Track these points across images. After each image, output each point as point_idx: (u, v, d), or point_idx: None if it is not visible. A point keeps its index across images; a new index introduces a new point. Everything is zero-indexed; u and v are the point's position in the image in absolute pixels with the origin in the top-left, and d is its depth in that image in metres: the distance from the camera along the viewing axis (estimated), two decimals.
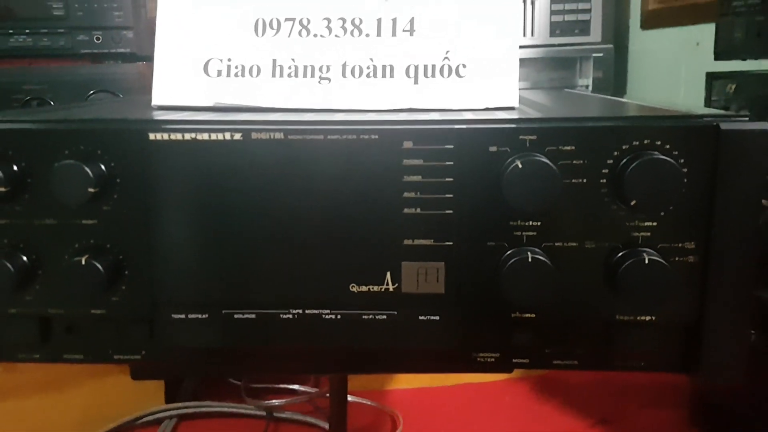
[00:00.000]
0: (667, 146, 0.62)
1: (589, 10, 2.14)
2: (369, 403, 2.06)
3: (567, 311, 0.67)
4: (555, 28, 2.13)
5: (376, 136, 0.65)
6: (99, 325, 0.71)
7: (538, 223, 0.65)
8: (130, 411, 1.89)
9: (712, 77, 1.77)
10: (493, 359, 0.70)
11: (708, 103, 1.74)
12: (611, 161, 0.63)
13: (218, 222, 0.68)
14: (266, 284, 0.69)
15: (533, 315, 0.68)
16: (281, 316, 0.70)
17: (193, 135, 0.66)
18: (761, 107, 1.57)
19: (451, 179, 0.66)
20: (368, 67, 0.81)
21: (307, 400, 2.04)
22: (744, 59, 1.68)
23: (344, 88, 0.81)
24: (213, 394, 2.00)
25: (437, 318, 0.69)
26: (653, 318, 0.67)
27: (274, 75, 0.81)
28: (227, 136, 0.66)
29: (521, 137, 0.64)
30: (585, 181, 0.64)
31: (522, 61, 2.05)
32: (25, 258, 0.68)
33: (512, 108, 0.79)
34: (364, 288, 0.69)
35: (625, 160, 0.63)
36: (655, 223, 0.64)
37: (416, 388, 2.16)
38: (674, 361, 0.69)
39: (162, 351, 0.72)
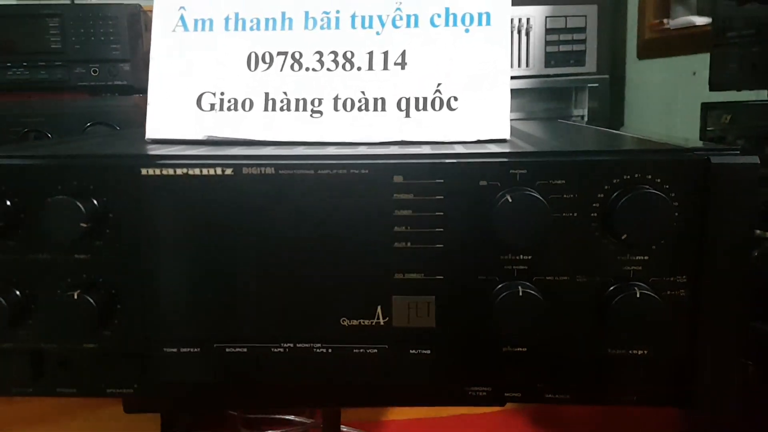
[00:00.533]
0: (658, 180, 0.62)
1: (583, 41, 2.16)
2: None
3: (559, 345, 0.67)
4: (550, 59, 2.14)
5: (367, 171, 0.65)
6: (92, 359, 0.71)
7: (529, 257, 0.65)
8: None
9: (707, 108, 1.77)
10: (484, 393, 0.69)
11: (703, 133, 1.75)
12: (602, 195, 0.63)
13: (210, 256, 0.68)
14: (257, 318, 0.69)
15: (525, 349, 0.68)
16: (272, 350, 0.70)
17: (184, 170, 0.66)
18: (757, 138, 1.58)
19: (442, 213, 0.65)
20: (360, 101, 0.81)
21: (303, 431, 2.03)
22: (739, 90, 1.68)
23: (336, 122, 0.81)
24: (209, 425, 1.99)
25: (428, 352, 0.68)
26: (646, 352, 0.66)
27: (266, 109, 0.81)
28: (218, 171, 0.66)
29: (511, 171, 0.64)
30: (576, 215, 0.64)
31: (517, 91, 2.10)
32: (18, 293, 0.68)
33: (504, 140, 0.79)
34: (354, 322, 0.68)
35: (615, 194, 0.63)
36: (646, 257, 0.64)
37: (410, 419, 2.13)
38: (668, 395, 0.68)
39: (154, 385, 0.72)
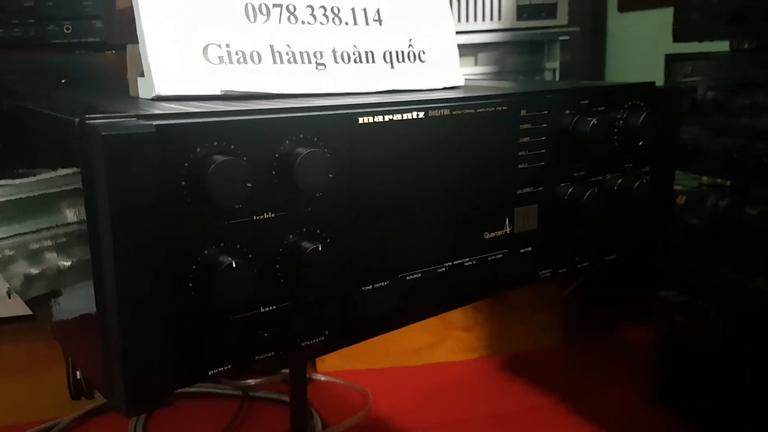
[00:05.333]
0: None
1: None
2: (339, 381, 2.29)
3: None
4: (522, 12, 2.32)
5: (505, 107, 0.88)
6: (291, 314, 0.76)
7: (585, 164, 0.98)
8: None
9: (671, 59, 2.00)
10: (548, 274, 1.00)
11: (667, 84, 1.95)
12: (620, 114, 0.98)
13: (399, 195, 0.82)
14: (428, 245, 0.86)
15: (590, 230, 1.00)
16: (437, 270, 0.87)
17: (391, 116, 0.79)
18: (726, 90, 1.80)
19: (545, 138, 0.93)
20: (354, 54, 0.95)
21: (282, 380, 2.25)
22: (701, 41, 1.89)
23: (338, 74, 0.93)
24: None
25: (530, 249, 0.96)
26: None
27: (275, 61, 0.88)
28: (414, 115, 0.80)
29: (581, 102, 0.96)
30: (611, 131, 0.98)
31: (490, 45, 2.33)
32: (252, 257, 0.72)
33: (461, 87, 1.03)
34: (493, 234, 0.90)
35: (626, 114, 0.98)
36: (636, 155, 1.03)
37: (387, 367, 2.39)
38: None
39: (350, 327, 0.81)
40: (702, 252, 1.92)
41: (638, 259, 1.06)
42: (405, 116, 0.80)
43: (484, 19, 2.32)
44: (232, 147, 0.68)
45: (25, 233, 0.93)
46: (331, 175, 0.73)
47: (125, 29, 0.85)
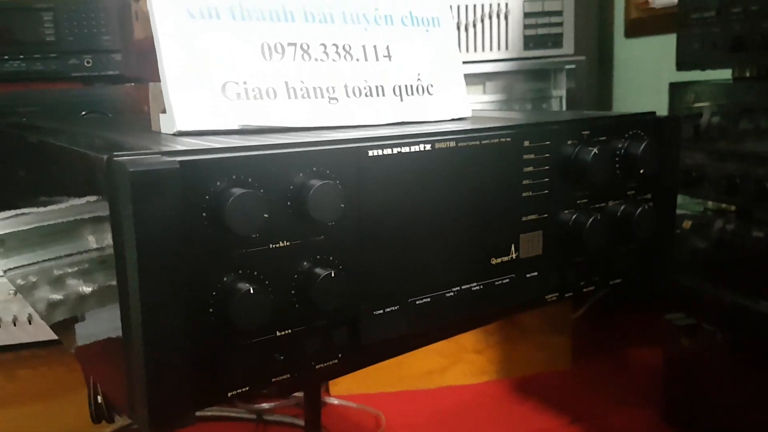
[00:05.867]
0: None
1: (561, 24, 2.38)
2: (352, 404, 2.31)
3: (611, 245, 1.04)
4: (528, 42, 2.37)
5: (509, 139, 0.91)
6: (305, 338, 0.78)
7: (587, 192, 1.01)
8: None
9: (675, 87, 2.02)
10: (554, 298, 1.02)
11: (671, 111, 2.00)
12: (621, 144, 1.02)
13: (409, 223, 0.84)
14: (437, 271, 0.88)
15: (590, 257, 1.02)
16: (446, 295, 0.89)
17: (399, 149, 0.81)
18: (731, 115, 1.83)
19: (548, 167, 0.96)
20: (365, 88, 0.98)
21: (295, 403, 2.27)
22: (703, 69, 1.94)
23: (349, 107, 0.96)
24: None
25: (536, 273, 0.98)
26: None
27: (289, 97, 0.91)
28: (421, 147, 0.83)
29: (582, 132, 0.98)
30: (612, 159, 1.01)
31: (497, 74, 2.38)
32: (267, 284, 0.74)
33: (467, 118, 1.06)
34: (499, 260, 0.92)
35: (627, 143, 1.01)
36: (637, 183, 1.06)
37: (400, 391, 2.41)
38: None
39: (362, 350, 0.83)
40: (708, 276, 1.94)
41: (642, 283, 1.07)
42: (413, 149, 0.83)
43: (492, 49, 2.38)
44: (250, 180, 0.71)
45: (47, 260, 0.95)
46: (342, 206, 0.75)
47: (142, 62, 0.89)
